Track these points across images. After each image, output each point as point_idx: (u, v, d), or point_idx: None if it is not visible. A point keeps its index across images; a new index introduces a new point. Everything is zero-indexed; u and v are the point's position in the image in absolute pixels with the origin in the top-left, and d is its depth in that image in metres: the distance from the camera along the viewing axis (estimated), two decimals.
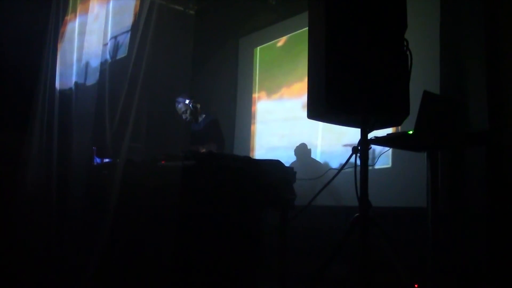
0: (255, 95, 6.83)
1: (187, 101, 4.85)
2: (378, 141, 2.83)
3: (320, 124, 5.61)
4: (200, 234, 2.81)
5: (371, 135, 2.68)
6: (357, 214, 2.52)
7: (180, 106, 4.89)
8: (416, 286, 2.42)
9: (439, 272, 2.96)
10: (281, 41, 6.58)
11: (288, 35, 6.43)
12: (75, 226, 3.17)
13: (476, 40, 3.96)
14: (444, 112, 2.91)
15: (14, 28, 3.93)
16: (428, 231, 2.96)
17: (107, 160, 3.63)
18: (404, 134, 2.80)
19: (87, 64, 3.62)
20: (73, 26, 3.75)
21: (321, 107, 2.53)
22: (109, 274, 2.99)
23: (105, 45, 3.52)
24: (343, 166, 2.76)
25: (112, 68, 3.48)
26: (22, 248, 3.22)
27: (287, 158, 5.76)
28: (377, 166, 3.01)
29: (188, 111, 4.87)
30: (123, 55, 3.67)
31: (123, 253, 3.01)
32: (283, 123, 6.27)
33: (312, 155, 5.83)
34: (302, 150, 5.86)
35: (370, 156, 2.64)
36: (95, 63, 3.56)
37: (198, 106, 4.95)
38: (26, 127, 3.57)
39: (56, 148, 3.46)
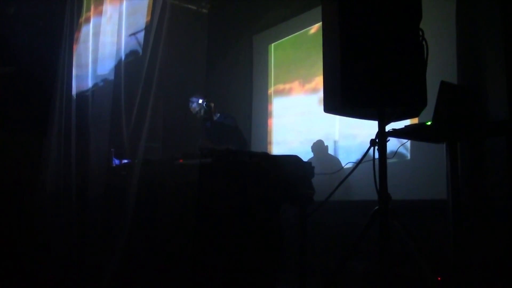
0: (271, 92, 6.82)
1: (200, 101, 4.85)
2: (396, 133, 2.81)
3: (337, 119, 5.60)
4: (219, 231, 2.81)
5: (389, 127, 2.66)
6: (377, 207, 2.50)
7: (194, 105, 4.90)
8: (439, 279, 2.39)
9: (462, 265, 2.93)
10: (295, 37, 6.57)
11: (302, 30, 6.41)
12: (95, 227, 3.19)
13: (494, 27, 3.89)
14: (462, 102, 2.88)
15: (30, 33, 3.98)
16: (449, 223, 2.92)
17: (125, 161, 3.65)
18: (422, 125, 2.77)
19: (102, 66, 3.64)
20: (88, 28, 3.78)
21: (337, 101, 2.52)
22: (129, 273, 3.01)
23: (119, 46, 3.54)
24: (361, 160, 2.74)
25: (127, 69, 3.49)
26: (43, 250, 3.26)
27: (305, 154, 5.75)
28: (395, 159, 2.98)
29: (202, 111, 4.88)
30: (137, 56, 3.68)
31: (143, 252, 3.03)
32: (300, 119, 6.26)
33: (330, 150, 5.81)
34: (319, 146, 5.85)
35: (388, 149, 2.62)
36: (110, 64, 3.58)
37: (212, 105, 4.95)
38: (45, 130, 3.61)
39: (75, 150, 3.49)
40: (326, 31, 2.72)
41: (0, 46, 3.96)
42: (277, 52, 6.89)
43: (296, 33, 6.53)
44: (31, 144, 3.71)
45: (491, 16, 3.97)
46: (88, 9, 3.86)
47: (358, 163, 2.77)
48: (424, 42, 2.51)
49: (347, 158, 5.39)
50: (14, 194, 3.55)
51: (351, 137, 5.53)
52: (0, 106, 3.84)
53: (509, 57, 3.80)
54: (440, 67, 4.11)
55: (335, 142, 5.79)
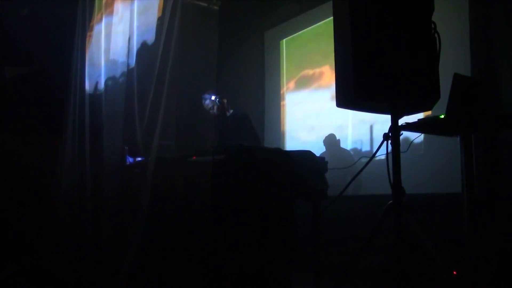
0: (283, 88, 6.81)
1: (213, 97, 4.85)
2: (409, 127, 2.79)
3: (350, 114, 5.57)
4: (232, 228, 2.82)
5: (402, 121, 2.64)
6: (391, 202, 2.49)
7: (207, 102, 4.91)
8: (454, 273, 2.38)
9: (477, 259, 2.90)
10: (306, 32, 6.54)
11: (314, 25, 6.38)
12: (109, 225, 3.22)
13: (508, 18, 3.85)
14: (476, 95, 2.84)
15: (43, 34, 4.02)
16: (464, 217, 2.90)
17: (139, 159, 3.67)
18: (435, 118, 2.75)
19: (114, 65, 3.67)
20: (100, 28, 3.81)
21: (349, 95, 2.51)
22: (144, 271, 3.03)
23: (131, 44, 3.56)
24: (374, 154, 2.73)
25: (139, 67, 3.51)
26: (59, 248, 3.30)
27: (318, 149, 5.74)
28: (409, 153, 2.96)
29: (215, 107, 4.88)
30: (149, 54, 3.70)
31: (157, 250, 3.04)
32: (312, 114, 6.24)
33: (343, 145, 5.79)
34: (331, 141, 5.83)
35: (402, 142, 2.60)
36: (122, 63, 3.60)
37: (225, 101, 4.95)
38: (60, 129, 3.64)
39: (89, 149, 3.52)
40: (337, 26, 2.71)
41: (14, 47, 4.01)
42: (288, 47, 6.87)
43: (307, 28, 6.50)
44: (46, 144, 3.75)
45: (505, 7, 3.93)
46: (100, 9, 3.88)
47: (372, 157, 2.76)
48: (436, 35, 2.49)
49: (360, 154, 5.38)
50: (30, 193, 3.60)
51: (365, 132, 5.51)
52: (15, 107, 3.88)
53: None
54: (453, 59, 4.07)
55: (348, 137, 5.77)
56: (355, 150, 5.63)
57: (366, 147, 5.44)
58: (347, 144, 5.76)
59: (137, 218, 3.07)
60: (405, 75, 2.43)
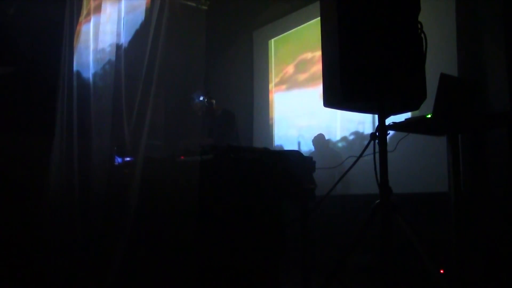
0: (272, 87, 6.82)
1: (201, 97, 4.83)
2: (396, 126, 2.80)
3: (338, 113, 5.59)
4: (220, 227, 2.82)
5: (389, 120, 2.65)
6: (378, 201, 2.50)
7: (195, 102, 4.88)
8: (441, 272, 2.39)
9: (464, 257, 2.92)
10: (295, 32, 6.55)
11: (302, 25, 6.40)
12: (98, 225, 3.21)
13: (494, 18, 3.88)
14: (462, 94, 2.86)
15: (31, 33, 3.98)
16: (452, 216, 2.92)
17: (127, 159, 3.66)
18: (422, 118, 2.77)
19: (102, 64, 3.65)
20: (88, 27, 3.79)
21: (336, 95, 2.52)
22: (132, 270, 3.02)
23: (119, 44, 3.55)
24: (361, 153, 2.74)
25: (127, 67, 3.50)
26: (48, 248, 3.28)
27: (306, 148, 5.75)
28: (396, 152, 2.98)
29: (203, 107, 4.86)
30: (137, 53, 3.69)
31: (146, 249, 3.04)
32: (301, 114, 6.25)
33: (331, 145, 5.81)
34: (320, 140, 5.85)
35: (389, 142, 2.61)
36: (110, 62, 3.58)
37: (213, 101, 4.93)
38: (48, 130, 3.62)
39: (77, 149, 3.50)
40: (324, 25, 2.72)
41: (0, 46, 3.97)
42: (277, 47, 6.88)
43: (296, 28, 6.52)
44: (34, 144, 3.73)
45: (491, 7, 3.96)
46: (88, 8, 3.86)
47: (359, 157, 2.77)
48: (423, 35, 2.51)
49: (348, 153, 5.39)
50: (19, 193, 3.57)
51: (353, 132, 5.53)
52: (2, 107, 3.85)
53: (509, 49, 3.79)
54: (440, 59, 4.10)
55: (336, 137, 5.79)
56: (344, 149, 5.65)
57: (354, 146, 5.46)
58: (335, 143, 5.78)
59: (125, 217, 3.06)
60: (392, 75, 2.44)
